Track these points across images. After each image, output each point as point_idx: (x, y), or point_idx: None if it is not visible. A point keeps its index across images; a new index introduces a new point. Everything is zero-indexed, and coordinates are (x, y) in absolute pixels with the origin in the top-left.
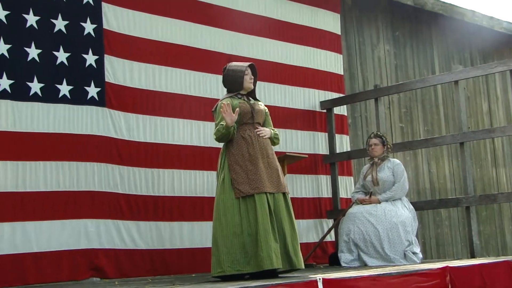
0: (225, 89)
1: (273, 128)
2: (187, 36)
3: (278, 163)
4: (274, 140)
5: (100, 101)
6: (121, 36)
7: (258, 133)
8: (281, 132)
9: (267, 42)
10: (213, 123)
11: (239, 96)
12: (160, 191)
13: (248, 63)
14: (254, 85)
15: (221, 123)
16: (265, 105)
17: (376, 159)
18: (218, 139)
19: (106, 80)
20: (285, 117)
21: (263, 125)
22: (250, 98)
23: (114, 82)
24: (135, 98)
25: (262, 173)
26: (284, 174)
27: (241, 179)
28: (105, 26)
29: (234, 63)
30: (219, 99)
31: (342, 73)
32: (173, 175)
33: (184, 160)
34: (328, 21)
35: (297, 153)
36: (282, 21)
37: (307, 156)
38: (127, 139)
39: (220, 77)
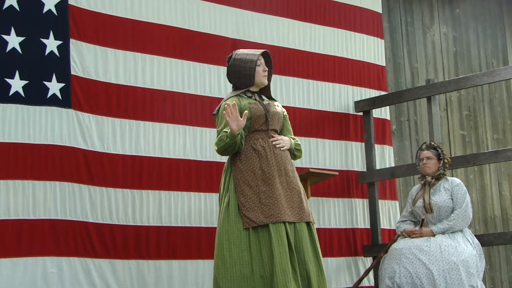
0: (230, 85)
1: (293, 137)
2: (180, 15)
3: (300, 183)
4: (294, 152)
5: (64, 101)
6: (92, 14)
7: (274, 143)
8: (303, 142)
9: (284, 23)
10: (215, 130)
11: (249, 94)
12: (143, 219)
13: (261, 51)
14: (269, 79)
15: (224, 130)
16: (283, 106)
17: (429, 178)
18: (221, 151)
19: (72, 72)
20: (308, 122)
21: (280, 133)
22: (263, 97)
23: (83, 75)
24: (111, 97)
25: (280, 196)
26: (308, 198)
27: (251, 204)
28: (71, 1)
29: (242, 51)
30: (222, 99)
31: (383, 64)
32: (161, 198)
33: (176, 178)
34: None
35: (324, 170)
36: None
37: (337, 173)
38: (100, 150)
39: (223, 69)
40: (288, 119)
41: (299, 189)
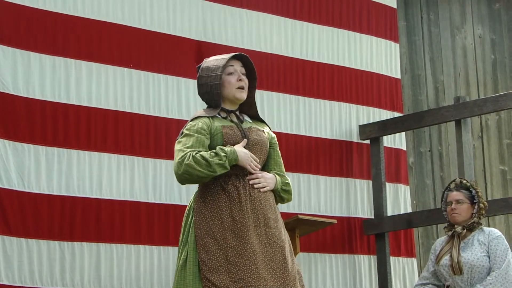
0: (196, 103)
1: (281, 173)
2: (128, 9)
3: (286, 236)
4: (281, 194)
5: None
6: (11, 7)
7: (251, 182)
8: (291, 179)
9: (267, 21)
10: (171, 162)
11: (224, 114)
12: (75, 281)
13: (234, 54)
14: (251, 93)
15: (199, 151)
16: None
17: (459, 228)
18: (187, 178)
19: None
20: (298, 153)
21: (265, 166)
22: (246, 118)
23: None
24: (34, 117)
25: (254, 254)
26: (296, 253)
27: (215, 263)
28: None
29: (213, 57)
30: (183, 121)
31: (398, 76)
32: (100, 253)
33: (120, 226)
34: None
35: (318, 217)
36: None
37: (335, 221)
38: (18, 189)
39: (186, 82)
40: (277, 148)
41: (283, 244)
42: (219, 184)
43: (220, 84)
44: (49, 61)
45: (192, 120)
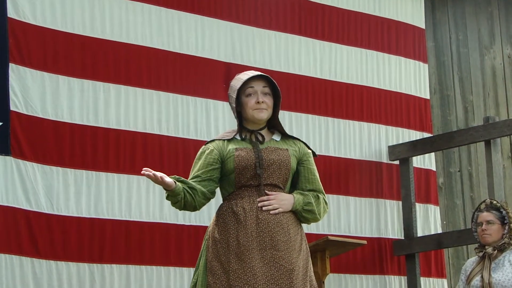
0: (224, 124)
1: (306, 192)
2: (156, 31)
3: (301, 259)
4: (302, 213)
5: (1, 145)
6: (40, 31)
7: (259, 204)
8: None
9: (295, 42)
10: None
11: (244, 134)
12: None
13: (252, 74)
14: (275, 112)
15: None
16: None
17: (489, 249)
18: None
19: (12, 108)
20: (327, 174)
21: (296, 185)
22: (274, 136)
23: (26, 112)
24: (63, 140)
25: (254, 278)
26: (326, 275)
27: (219, 287)
28: (10, 13)
29: (237, 76)
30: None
31: (427, 97)
32: (129, 274)
33: (150, 248)
34: (404, 5)
35: (348, 237)
36: (323, 5)
37: (365, 242)
38: (47, 211)
39: (214, 103)
40: (309, 165)
41: (292, 267)
42: (230, 207)
43: (238, 106)
44: (77, 84)
45: (206, 143)
